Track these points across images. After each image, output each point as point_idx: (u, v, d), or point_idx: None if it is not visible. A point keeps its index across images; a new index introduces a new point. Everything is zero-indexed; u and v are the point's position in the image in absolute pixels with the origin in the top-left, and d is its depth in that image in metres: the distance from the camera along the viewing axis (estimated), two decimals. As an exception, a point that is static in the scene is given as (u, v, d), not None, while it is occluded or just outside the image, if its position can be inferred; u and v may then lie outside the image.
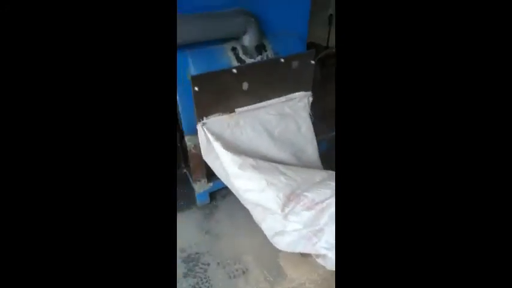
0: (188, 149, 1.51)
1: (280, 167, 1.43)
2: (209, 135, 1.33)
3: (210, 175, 1.67)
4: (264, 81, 1.35)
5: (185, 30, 1.12)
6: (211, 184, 1.70)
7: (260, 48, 1.31)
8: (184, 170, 1.80)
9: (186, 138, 1.48)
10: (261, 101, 1.40)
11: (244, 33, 1.21)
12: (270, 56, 1.34)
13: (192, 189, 1.85)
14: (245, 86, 1.32)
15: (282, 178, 1.36)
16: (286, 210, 1.30)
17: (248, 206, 1.47)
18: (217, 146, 1.34)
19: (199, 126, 1.32)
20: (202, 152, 1.41)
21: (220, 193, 1.85)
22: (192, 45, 1.22)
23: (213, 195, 1.81)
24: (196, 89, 1.22)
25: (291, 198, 1.32)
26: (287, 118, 1.50)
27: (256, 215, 1.45)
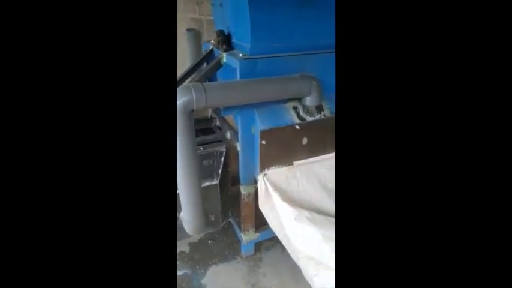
0: (242, 197, 1.57)
1: (333, 220, 1.45)
2: (268, 186, 1.40)
3: (258, 226, 1.70)
4: (321, 137, 1.45)
5: (260, 91, 1.26)
6: (258, 235, 1.71)
7: (319, 108, 1.43)
8: (230, 219, 1.83)
9: (242, 188, 1.55)
10: (317, 155, 1.48)
11: (308, 94, 1.35)
12: (326, 115, 1.46)
13: (236, 239, 1.86)
14: (304, 140, 1.42)
15: (338, 232, 1.37)
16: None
17: (301, 260, 1.45)
18: (275, 196, 1.39)
19: (260, 177, 1.40)
20: (259, 201, 1.46)
21: (264, 245, 1.84)
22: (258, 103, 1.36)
23: (257, 246, 1.81)
24: (263, 142, 1.33)
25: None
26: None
27: (309, 269, 1.43)
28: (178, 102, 1.09)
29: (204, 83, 1.16)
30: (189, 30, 2.81)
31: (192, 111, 1.13)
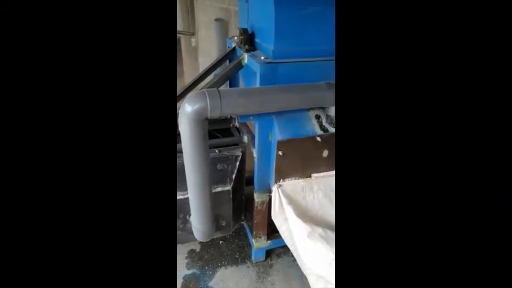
0: (255, 205, 1.51)
1: (350, 239, 1.36)
2: (283, 198, 1.33)
3: (270, 233, 1.64)
4: (343, 150, 1.35)
5: (281, 100, 1.17)
6: (270, 242, 1.66)
7: (344, 119, 1.32)
8: (243, 222, 1.79)
9: (255, 195, 1.49)
10: (337, 169, 1.38)
11: (333, 104, 1.24)
12: (352, 126, 1.35)
13: (248, 242, 1.83)
14: (325, 153, 1.33)
15: (353, 254, 1.29)
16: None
17: (310, 276, 1.39)
18: (288, 210, 1.32)
19: (275, 188, 1.33)
20: (272, 213, 1.40)
21: (276, 251, 1.79)
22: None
23: (268, 252, 1.76)
24: (280, 153, 1.25)
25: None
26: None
27: (317, 287, 1.37)
28: (190, 109, 1.03)
29: (220, 89, 1.09)
30: (216, 20, 2.74)
31: (206, 119, 1.07)
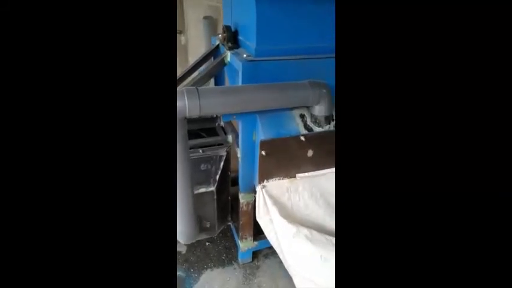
0: (240, 206, 1.49)
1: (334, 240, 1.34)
2: (267, 199, 1.30)
3: (256, 234, 1.62)
4: (328, 150, 1.32)
5: (263, 99, 1.14)
6: (256, 243, 1.64)
7: (329, 119, 1.30)
8: (229, 223, 1.76)
9: (240, 196, 1.46)
10: (322, 168, 1.36)
11: (316, 103, 1.22)
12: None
13: (235, 244, 1.80)
14: (310, 153, 1.30)
15: (338, 255, 1.27)
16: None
17: (296, 278, 1.37)
18: (273, 210, 1.30)
19: (258, 188, 1.31)
20: (256, 214, 1.37)
21: (262, 252, 1.77)
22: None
23: (254, 253, 1.74)
24: (263, 153, 1.23)
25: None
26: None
27: (304, 289, 1.35)
28: (168, 109, 1.00)
29: (199, 87, 1.06)
30: (205, 18, 2.70)
31: (185, 118, 1.04)
